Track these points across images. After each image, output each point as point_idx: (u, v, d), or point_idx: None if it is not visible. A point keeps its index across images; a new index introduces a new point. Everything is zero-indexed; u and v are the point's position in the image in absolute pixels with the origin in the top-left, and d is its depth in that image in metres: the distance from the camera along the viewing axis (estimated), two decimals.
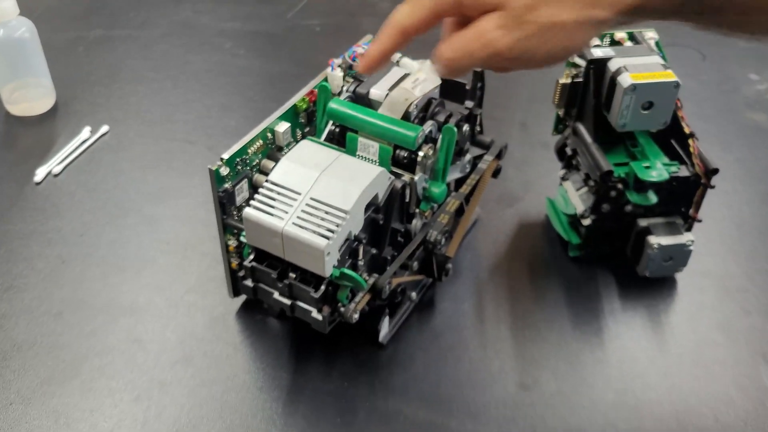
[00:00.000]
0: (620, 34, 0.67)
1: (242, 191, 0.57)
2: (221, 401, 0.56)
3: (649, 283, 0.66)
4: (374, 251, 0.56)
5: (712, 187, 0.63)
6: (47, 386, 0.57)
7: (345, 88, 0.60)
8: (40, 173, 0.76)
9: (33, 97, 0.84)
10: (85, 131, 0.81)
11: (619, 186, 0.63)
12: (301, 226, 0.50)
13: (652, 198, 0.63)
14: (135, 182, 0.76)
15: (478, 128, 0.69)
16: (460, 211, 0.66)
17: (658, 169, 0.62)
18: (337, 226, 0.50)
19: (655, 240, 0.63)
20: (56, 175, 0.76)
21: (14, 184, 0.75)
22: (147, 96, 0.88)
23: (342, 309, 0.53)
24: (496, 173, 0.69)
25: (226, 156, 0.54)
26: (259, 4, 1.07)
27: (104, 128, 0.82)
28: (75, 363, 0.59)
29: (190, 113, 0.86)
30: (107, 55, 0.95)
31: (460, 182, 0.67)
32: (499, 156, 0.68)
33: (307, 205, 0.51)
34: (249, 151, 0.56)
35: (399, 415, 0.56)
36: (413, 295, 0.63)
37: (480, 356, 0.60)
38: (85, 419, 0.55)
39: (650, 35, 0.68)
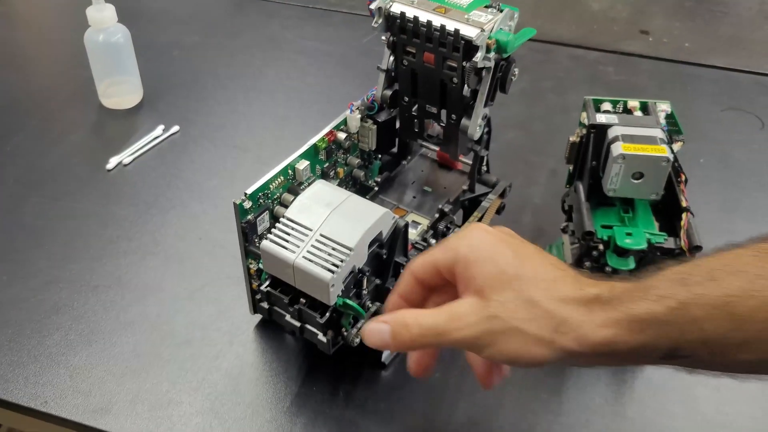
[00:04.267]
0: (633, 103, 0.69)
1: (263, 221, 0.64)
2: (204, 382, 0.65)
3: None
4: (378, 282, 0.62)
5: None
6: (71, 346, 0.68)
7: None
8: (112, 162, 0.88)
9: (123, 93, 0.97)
10: (159, 129, 0.92)
11: (600, 247, 0.65)
12: (310, 260, 0.57)
13: (630, 264, 0.65)
14: (187, 181, 0.86)
15: (484, 168, 0.73)
16: None
17: (637, 237, 0.64)
18: (342, 261, 0.56)
19: None
20: (125, 165, 0.88)
21: (90, 168, 0.88)
22: (219, 102, 0.99)
23: (345, 333, 0.60)
24: (499, 210, 0.73)
25: (249, 191, 0.61)
26: (342, 26, 1.15)
27: (175, 128, 0.93)
28: (98, 331, 0.69)
29: (251, 122, 0.95)
30: (196, 60, 1.07)
31: (466, 220, 0.72)
32: (502, 195, 0.73)
33: (317, 240, 0.57)
34: (271, 186, 0.63)
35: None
36: None
37: (444, 385, 0.65)
38: (91, 380, 0.65)
39: (663, 107, 0.69)
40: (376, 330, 0.48)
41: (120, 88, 0.97)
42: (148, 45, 1.06)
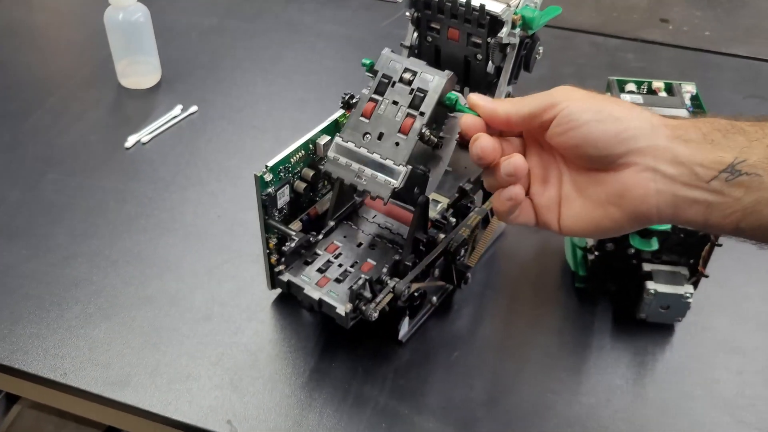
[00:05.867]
0: (657, 84, 0.69)
1: (284, 195, 0.64)
2: (223, 356, 0.65)
3: (646, 327, 0.68)
4: (397, 257, 0.62)
5: (719, 245, 0.64)
6: (90, 319, 0.68)
7: None
8: (131, 140, 0.88)
9: (141, 72, 0.97)
10: (177, 108, 0.92)
11: None
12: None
13: (654, 244, 0.64)
14: (206, 160, 0.86)
15: None
16: (486, 222, 0.71)
17: None
18: None
19: (652, 286, 0.65)
20: (144, 144, 0.88)
21: (109, 146, 0.88)
22: (238, 84, 0.98)
23: (363, 307, 0.60)
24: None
25: (270, 163, 0.61)
26: (360, 10, 1.15)
27: (193, 108, 0.93)
28: (117, 305, 0.69)
29: (270, 104, 0.95)
30: (215, 42, 1.07)
31: (485, 200, 0.71)
32: None
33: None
34: (292, 160, 0.63)
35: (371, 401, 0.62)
36: (434, 299, 0.68)
37: (462, 364, 0.65)
38: (110, 353, 0.65)
39: (688, 88, 0.69)
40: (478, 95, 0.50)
41: (139, 68, 0.97)
42: (167, 26, 1.06)
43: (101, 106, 0.95)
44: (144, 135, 0.88)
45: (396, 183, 0.57)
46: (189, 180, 0.83)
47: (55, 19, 1.16)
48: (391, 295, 0.60)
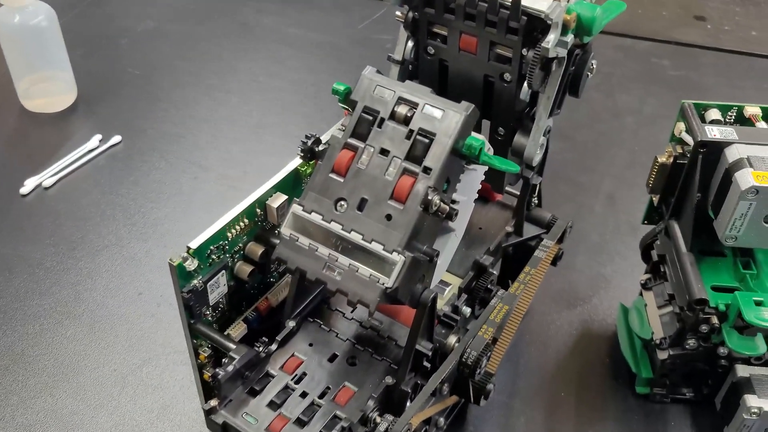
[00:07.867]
0: (752, 110, 0.49)
1: (218, 286, 0.43)
2: None
3: None
4: (389, 380, 0.42)
5: None
6: None
7: None
8: (29, 184, 0.67)
9: (50, 92, 0.76)
10: (94, 140, 0.72)
11: (714, 321, 0.45)
12: None
13: (760, 347, 0.45)
14: (128, 210, 0.65)
15: (535, 201, 0.53)
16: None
17: None
18: None
19: (755, 402, 0.47)
20: (46, 189, 0.67)
21: (2, 192, 0.66)
22: (176, 105, 0.78)
23: None
24: (555, 260, 0.53)
25: (194, 244, 0.41)
26: (333, 10, 0.94)
27: (115, 138, 0.72)
28: None
29: (216, 131, 0.75)
30: (150, 52, 0.86)
31: (508, 272, 0.51)
32: (560, 239, 0.52)
33: None
34: (229, 234, 0.43)
35: None
36: (440, 420, 0.47)
37: None
38: None
39: None
40: None
41: (46, 87, 0.76)
42: (88, 31, 0.86)
43: None
44: (47, 177, 0.67)
45: (388, 281, 0.37)
46: (103, 240, 0.62)
47: None
48: None
